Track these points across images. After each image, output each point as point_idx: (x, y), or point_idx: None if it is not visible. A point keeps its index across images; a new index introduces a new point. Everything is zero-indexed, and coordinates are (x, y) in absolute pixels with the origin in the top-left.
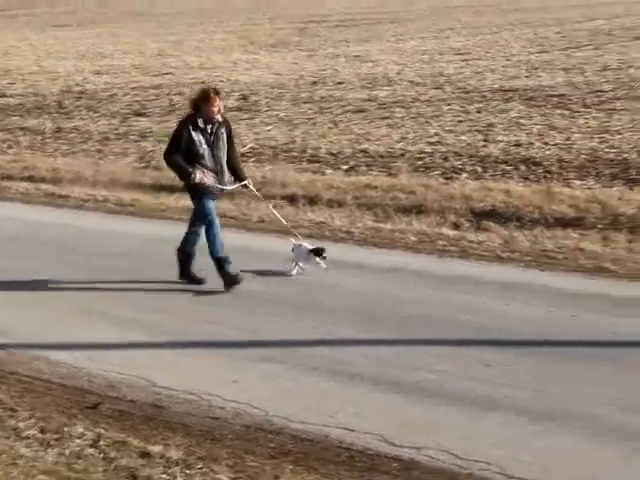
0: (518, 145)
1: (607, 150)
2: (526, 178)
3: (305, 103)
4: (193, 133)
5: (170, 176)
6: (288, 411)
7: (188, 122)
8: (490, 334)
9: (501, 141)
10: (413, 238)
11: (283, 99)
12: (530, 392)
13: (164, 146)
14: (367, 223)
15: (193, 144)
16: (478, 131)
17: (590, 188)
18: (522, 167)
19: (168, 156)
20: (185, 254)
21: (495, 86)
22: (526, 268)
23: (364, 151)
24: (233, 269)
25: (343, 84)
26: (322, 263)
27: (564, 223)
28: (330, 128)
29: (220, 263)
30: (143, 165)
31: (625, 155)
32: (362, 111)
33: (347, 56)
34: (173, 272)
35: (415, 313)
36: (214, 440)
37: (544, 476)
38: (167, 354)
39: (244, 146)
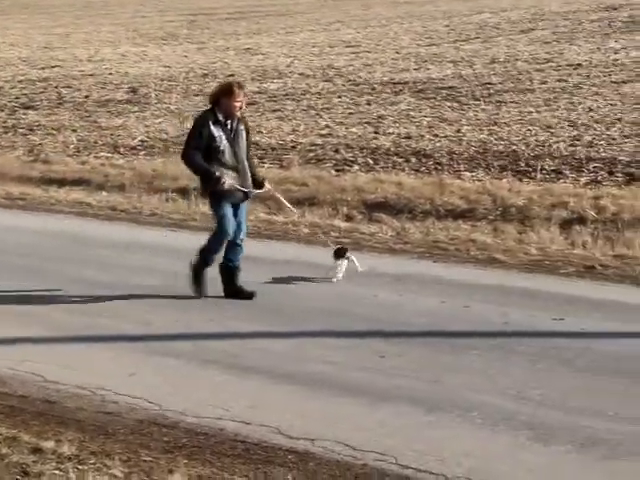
0: (408, 137)
1: (496, 142)
2: (417, 170)
3: (196, 96)
4: (213, 128)
5: (60, 169)
6: (183, 405)
7: (208, 117)
8: (384, 325)
9: (392, 133)
10: (306, 230)
11: (173, 92)
12: (424, 382)
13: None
14: (260, 216)
15: (213, 140)
16: (368, 123)
17: (480, 180)
18: (413, 159)
19: (188, 156)
20: (229, 268)
21: (385, 79)
22: (418, 259)
23: (255, 144)
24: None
25: (233, 77)
26: (355, 262)
27: (455, 215)
28: None
29: (197, 267)
30: (32, 158)
31: (514, 147)
32: (253, 104)
33: (237, 49)
34: (68, 266)
35: (309, 305)
36: (107, 435)
37: (438, 466)
38: (61, 349)
39: (134, 139)
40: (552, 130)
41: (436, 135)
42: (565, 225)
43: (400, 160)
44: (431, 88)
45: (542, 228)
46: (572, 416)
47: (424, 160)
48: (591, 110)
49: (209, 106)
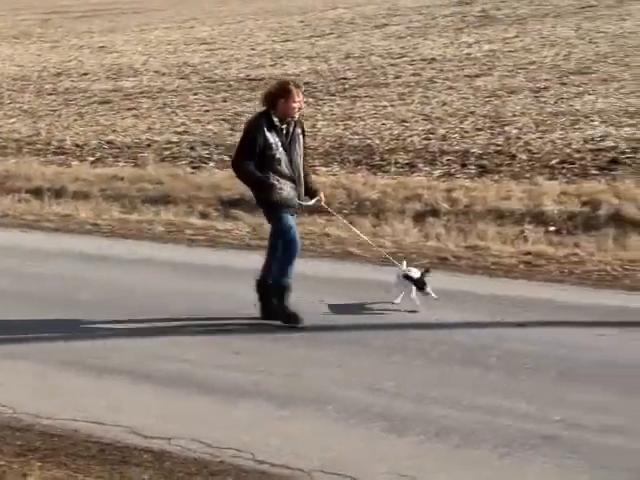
0: None
1: (351, 137)
2: None
3: (49, 95)
4: (268, 134)
5: None
6: (37, 407)
7: (261, 121)
8: (239, 322)
9: None
10: (161, 228)
11: (26, 91)
12: (280, 378)
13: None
14: (114, 214)
15: (269, 147)
16: (225, 120)
17: (335, 174)
18: None
19: (240, 165)
20: (279, 287)
21: (241, 75)
22: None
23: (110, 142)
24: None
25: (88, 75)
26: (432, 293)
27: (311, 209)
28: (75, 120)
29: (279, 293)
30: None
31: (369, 141)
32: (108, 102)
33: (91, 47)
34: None
35: (162, 302)
36: None
37: (294, 460)
38: None
39: None
40: (406, 124)
41: None
42: (419, 218)
43: None
44: None
45: (396, 221)
46: (426, 406)
47: None
48: (445, 104)
49: (262, 109)
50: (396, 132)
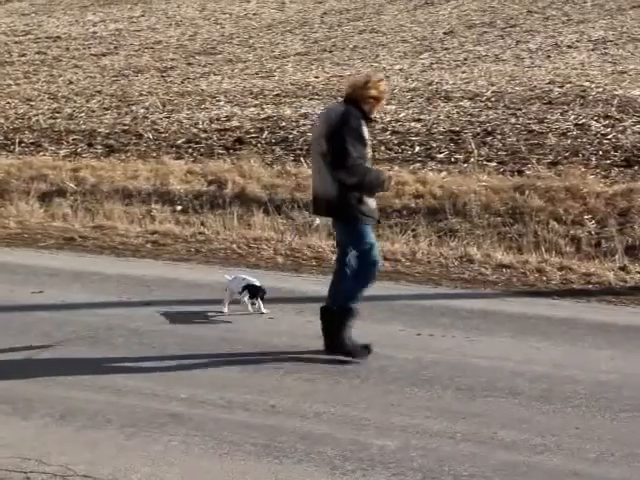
0: None
1: None
2: None
3: None
4: (366, 130)
5: None
6: None
7: (359, 115)
8: None
9: None
10: None
11: None
12: None
13: None
14: None
15: (365, 145)
16: None
17: None
18: None
19: (358, 168)
20: (347, 312)
21: None
22: None
23: None
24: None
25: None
26: (261, 306)
27: None
28: None
29: (342, 317)
30: None
31: None
32: None
33: None
34: None
35: None
36: None
37: None
38: None
39: None
40: (32, 103)
41: None
42: (45, 197)
43: None
44: None
45: (21, 201)
46: (51, 388)
47: None
48: (71, 83)
49: (347, 102)
50: (21, 111)
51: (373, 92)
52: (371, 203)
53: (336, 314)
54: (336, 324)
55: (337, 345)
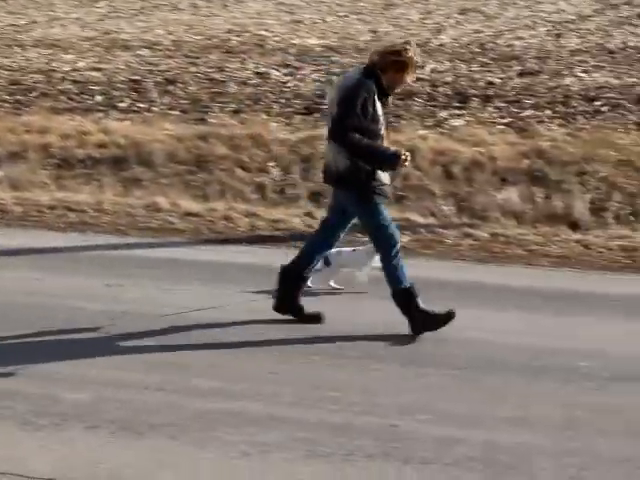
0: None
1: None
2: None
3: None
4: (378, 105)
5: None
6: None
7: (373, 88)
8: None
9: None
10: None
11: None
12: None
13: None
14: None
15: (376, 121)
16: None
17: None
18: None
19: (348, 137)
20: (409, 292)
21: None
22: None
23: None
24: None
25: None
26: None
27: None
28: None
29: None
30: None
31: None
32: None
33: None
34: None
35: None
36: None
37: None
38: None
39: None
40: None
41: None
42: None
43: None
44: None
45: None
46: None
47: None
48: None
49: (367, 71)
50: None
51: (397, 57)
52: (384, 178)
53: (400, 300)
54: (407, 309)
55: (415, 324)
